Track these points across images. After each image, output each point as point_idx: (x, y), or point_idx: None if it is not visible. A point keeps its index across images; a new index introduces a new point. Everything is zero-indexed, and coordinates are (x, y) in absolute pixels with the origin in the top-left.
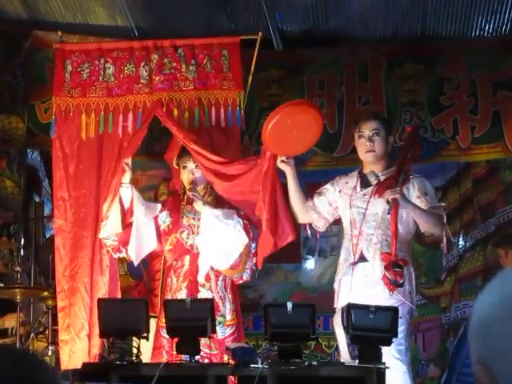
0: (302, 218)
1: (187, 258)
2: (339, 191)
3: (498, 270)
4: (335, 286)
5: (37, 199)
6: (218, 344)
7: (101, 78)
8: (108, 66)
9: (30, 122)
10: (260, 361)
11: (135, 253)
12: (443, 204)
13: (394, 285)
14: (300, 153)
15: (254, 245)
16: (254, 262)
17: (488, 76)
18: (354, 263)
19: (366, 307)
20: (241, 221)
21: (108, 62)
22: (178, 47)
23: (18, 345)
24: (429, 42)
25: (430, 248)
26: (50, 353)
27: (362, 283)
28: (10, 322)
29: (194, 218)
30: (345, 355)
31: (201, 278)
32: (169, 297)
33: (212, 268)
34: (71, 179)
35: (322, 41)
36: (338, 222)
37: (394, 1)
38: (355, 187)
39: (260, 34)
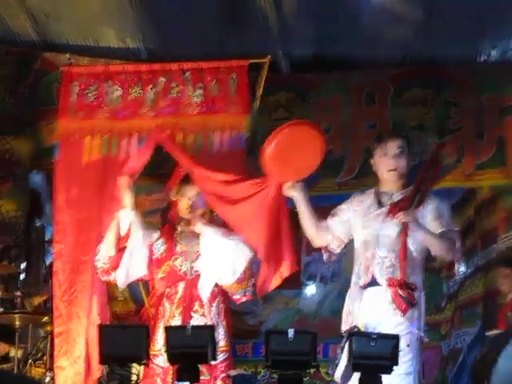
0: (317, 241)
1: (181, 285)
2: (354, 210)
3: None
4: (345, 310)
5: (38, 223)
6: (211, 370)
7: (107, 100)
8: (115, 89)
9: (36, 144)
10: None
11: (123, 277)
12: (457, 228)
13: (407, 304)
14: (305, 176)
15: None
16: (253, 281)
17: (495, 101)
18: (365, 287)
19: (367, 335)
20: (242, 238)
21: (115, 84)
22: (186, 71)
23: (15, 371)
24: (436, 67)
25: (430, 274)
26: (47, 379)
27: (371, 309)
28: (3, 349)
29: (188, 245)
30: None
31: (205, 298)
32: (161, 324)
33: (214, 287)
34: (72, 203)
35: (329, 65)
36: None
37: (402, 26)
38: (370, 206)
39: (269, 57)
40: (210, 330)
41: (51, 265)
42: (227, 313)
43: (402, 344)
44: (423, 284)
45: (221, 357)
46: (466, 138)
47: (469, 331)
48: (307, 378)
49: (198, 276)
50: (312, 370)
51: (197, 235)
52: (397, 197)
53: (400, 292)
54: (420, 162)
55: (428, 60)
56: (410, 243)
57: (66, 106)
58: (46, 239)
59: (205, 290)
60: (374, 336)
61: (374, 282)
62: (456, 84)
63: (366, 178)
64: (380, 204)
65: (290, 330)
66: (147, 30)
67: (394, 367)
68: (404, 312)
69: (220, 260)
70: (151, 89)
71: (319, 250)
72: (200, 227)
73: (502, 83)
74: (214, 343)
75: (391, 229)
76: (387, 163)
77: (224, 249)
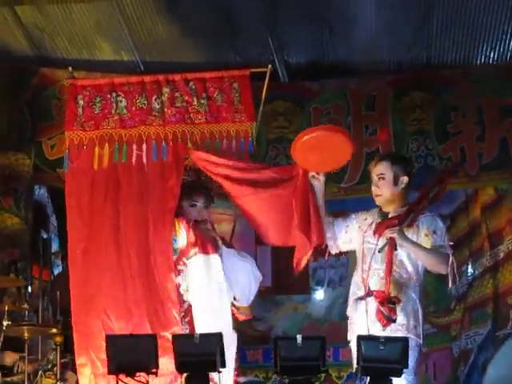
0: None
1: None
2: (358, 227)
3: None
4: (348, 317)
5: (44, 236)
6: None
7: (113, 111)
8: (120, 100)
9: (37, 158)
10: None
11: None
12: (451, 243)
13: (387, 320)
14: (327, 170)
15: None
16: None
17: (495, 103)
18: (362, 298)
19: (376, 338)
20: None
21: (120, 95)
22: (189, 81)
23: (26, 382)
24: (435, 71)
25: (438, 277)
26: None
27: (372, 319)
28: (11, 358)
29: None
30: None
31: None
32: None
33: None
34: (85, 210)
35: (327, 72)
36: (345, 252)
37: (398, 30)
38: (371, 224)
39: (269, 67)
40: (218, 337)
41: (59, 275)
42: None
43: None
44: (420, 295)
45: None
46: (467, 141)
47: (479, 332)
48: (318, 383)
49: None
50: (322, 375)
51: None
52: (391, 215)
53: (381, 308)
54: (425, 164)
55: (425, 64)
56: (404, 257)
57: (72, 118)
58: (53, 251)
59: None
60: (383, 339)
61: (370, 293)
62: (454, 87)
63: (368, 184)
64: (380, 219)
65: (298, 336)
66: (141, 43)
67: (404, 370)
68: (384, 326)
69: (239, 282)
70: (155, 99)
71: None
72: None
73: (500, 85)
74: (223, 351)
75: (382, 244)
76: (372, 189)
77: (242, 272)
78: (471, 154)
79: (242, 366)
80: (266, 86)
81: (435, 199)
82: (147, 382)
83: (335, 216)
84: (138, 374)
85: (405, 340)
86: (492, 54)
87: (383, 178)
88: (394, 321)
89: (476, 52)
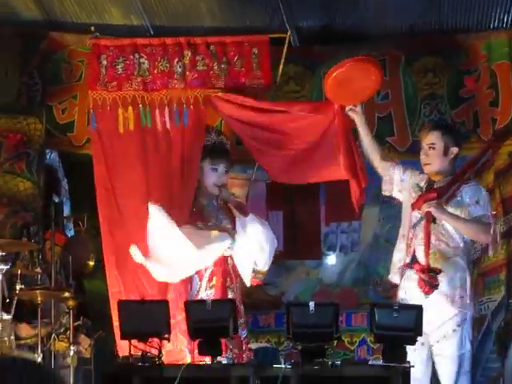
0: (380, 168)
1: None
2: (409, 189)
3: None
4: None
5: (56, 199)
6: (240, 344)
7: (136, 72)
8: (142, 61)
9: (48, 122)
10: (283, 360)
11: None
12: (494, 212)
13: (430, 287)
14: (361, 100)
15: None
16: None
17: (508, 67)
18: (407, 265)
19: (389, 306)
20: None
21: (142, 56)
22: (210, 44)
23: (39, 345)
24: (447, 35)
25: None
26: (71, 353)
27: (413, 288)
28: (28, 332)
29: (218, 222)
30: None
31: (247, 282)
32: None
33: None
34: (112, 170)
35: (339, 37)
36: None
37: None
38: (416, 187)
39: (289, 33)
40: (230, 303)
41: (71, 239)
42: None
43: (452, 325)
44: (469, 263)
45: (245, 332)
46: (480, 106)
47: (492, 298)
48: (330, 349)
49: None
50: (335, 341)
51: (226, 212)
52: (437, 185)
53: (422, 276)
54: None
55: (437, 28)
56: (449, 226)
57: (95, 78)
58: (65, 215)
59: (246, 269)
60: (397, 307)
61: (415, 261)
62: (467, 52)
63: None
64: (427, 189)
65: (311, 303)
66: (151, 7)
67: (418, 338)
68: (427, 293)
69: (259, 246)
70: (177, 62)
71: (338, 220)
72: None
73: None
74: (236, 317)
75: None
76: (421, 157)
77: (263, 236)
78: (484, 119)
79: (255, 331)
80: (284, 52)
81: (487, 166)
82: (160, 347)
83: None
84: (150, 339)
85: (419, 308)
86: (506, 17)
87: (433, 148)
88: (437, 287)
89: (489, 16)
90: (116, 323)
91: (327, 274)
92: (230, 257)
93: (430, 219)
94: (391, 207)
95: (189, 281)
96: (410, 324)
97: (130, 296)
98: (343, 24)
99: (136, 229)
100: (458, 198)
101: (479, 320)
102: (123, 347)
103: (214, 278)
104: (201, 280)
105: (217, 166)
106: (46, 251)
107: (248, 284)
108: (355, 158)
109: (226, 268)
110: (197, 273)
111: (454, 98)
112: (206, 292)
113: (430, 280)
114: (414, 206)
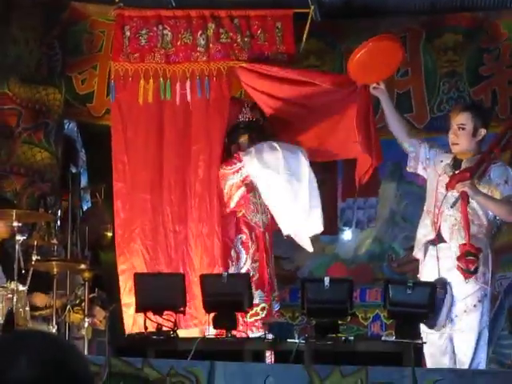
0: (406, 144)
1: (253, 235)
2: (434, 166)
3: None
4: (417, 255)
5: (73, 170)
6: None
7: (159, 45)
8: (166, 33)
9: (67, 93)
10: (297, 335)
11: None
12: None
13: (467, 273)
14: (385, 78)
15: None
16: None
17: None
18: (432, 241)
19: (403, 282)
20: None
21: (166, 28)
22: (234, 17)
23: (54, 317)
24: (468, 13)
25: None
26: (86, 325)
27: (435, 264)
28: (42, 300)
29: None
30: None
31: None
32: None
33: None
34: (130, 143)
35: (360, 12)
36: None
37: None
38: (445, 167)
39: (312, 8)
40: (246, 277)
41: (88, 210)
42: None
43: (473, 301)
44: (490, 243)
45: (276, 306)
46: (500, 84)
47: (506, 275)
48: (344, 324)
49: (268, 227)
50: (349, 317)
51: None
52: (464, 164)
53: (459, 263)
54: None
55: (459, 6)
56: (474, 204)
57: (119, 49)
58: (82, 186)
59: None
60: (410, 284)
61: (440, 238)
62: (487, 30)
63: None
64: (454, 168)
65: (325, 278)
66: None
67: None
68: (466, 279)
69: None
70: (201, 35)
71: (354, 196)
72: None
73: None
74: (251, 291)
75: (455, 194)
76: (450, 136)
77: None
78: (503, 98)
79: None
80: (307, 28)
81: (508, 147)
82: (175, 320)
83: None
84: (165, 312)
85: (432, 285)
86: None
87: (463, 129)
88: (473, 272)
89: None
90: (123, 301)
91: (343, 250)
92: (268, 233)
93: (466, 199)
94: (408, 184)
95: (228, 256)
96: (424, 301)
97: None
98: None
99: (143, 205)
100: (487, 178)
101: (492, 297)
102: (129, 325)
103: (257, 254)
104: (247, 253)
105: (253, 144)
106: (62, 222)
107: (311, 249)
108: (371, 136)
109: (265, 243)
110: (243, 246)
111: (474, 76)
112: (252, 265)
113: (466, 267)
114: (448, 186)
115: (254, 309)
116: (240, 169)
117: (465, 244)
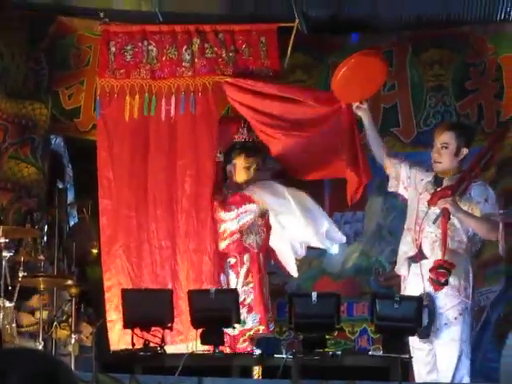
0: (387, 165)
1: (246, 257)
2: (415, 185)
3: None
4: (400, 272)
5: (60, 186)
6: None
7: (144, 60)
8: (151, 49)
9: (54, 108)
10: (284, 350)
11: None
12: (501, 211)
13: (437, 284)
14: (367, 97)
15: None
16: None
17: None
18: (414, 258)
19: (390, 297)
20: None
21: (151, 44)
22: (219, 32)
23: (41, 333)
24: (454, 27)
25: None
26: (72, 341)
27: (420, 281)
28: (29, 320)
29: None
30: None
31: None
32: None
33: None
34: (116, 159)
35: (346, 26)
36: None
37: None
38: (427, 185)
39: (297, 21)
40: (234, 293)
41: (75, 226)
42: None
43: (454, 313)
44: (471, 259)
45: (271, 326)
46: (485, 98)
47: (492, 289)
48: (331, 339)
49: (262, 247)
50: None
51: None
52: (446, 182)
53: (430, 275)
54: (442, 121)
55: (445, 20)
56: (455, 221)
57: (105, 65)
58: (69, 202)
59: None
60: (397, 298)
61: (422, 255)
62: (473, 44)
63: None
64: (435, 185)
65: (313, 293)
66: None
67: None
68: (435, 291)
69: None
70: (186, 50)
71: (341, 210)
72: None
73: None
74: (238, 307)
75: (437, 211)
76: (433, 155)
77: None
78: (489, 112)
79: None
80: (292, 41)
81: (489, 165)
82: (163, 336)
83: None
84: (153, 328)
85: (419, 299)
86: None
87: (446, 148)
88: (443, 284)
89: (496, 9)
90: (109, 318)
91: (330, 264)
92: (261, 253)
93: (447, 215)
94: (395, 198)
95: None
96: (411, 315)
97: None
98: (351, 14)
99: (128, 222)
100: (468, 196)
101: (479, 311)
102: (114, 341)
103: (250, 275)
104: (237, 277)
105: (250, 164)
106: (49, 238)
107: (296, 274)
108: (358, 154)
109: (259, 264)
110: (233, 270)
111: (460, 90)
112: (243, 288)
113: (436, 278)
114: (430, 203)
115: (247, 333)
116: (238, 215)
117: (439, 260)
